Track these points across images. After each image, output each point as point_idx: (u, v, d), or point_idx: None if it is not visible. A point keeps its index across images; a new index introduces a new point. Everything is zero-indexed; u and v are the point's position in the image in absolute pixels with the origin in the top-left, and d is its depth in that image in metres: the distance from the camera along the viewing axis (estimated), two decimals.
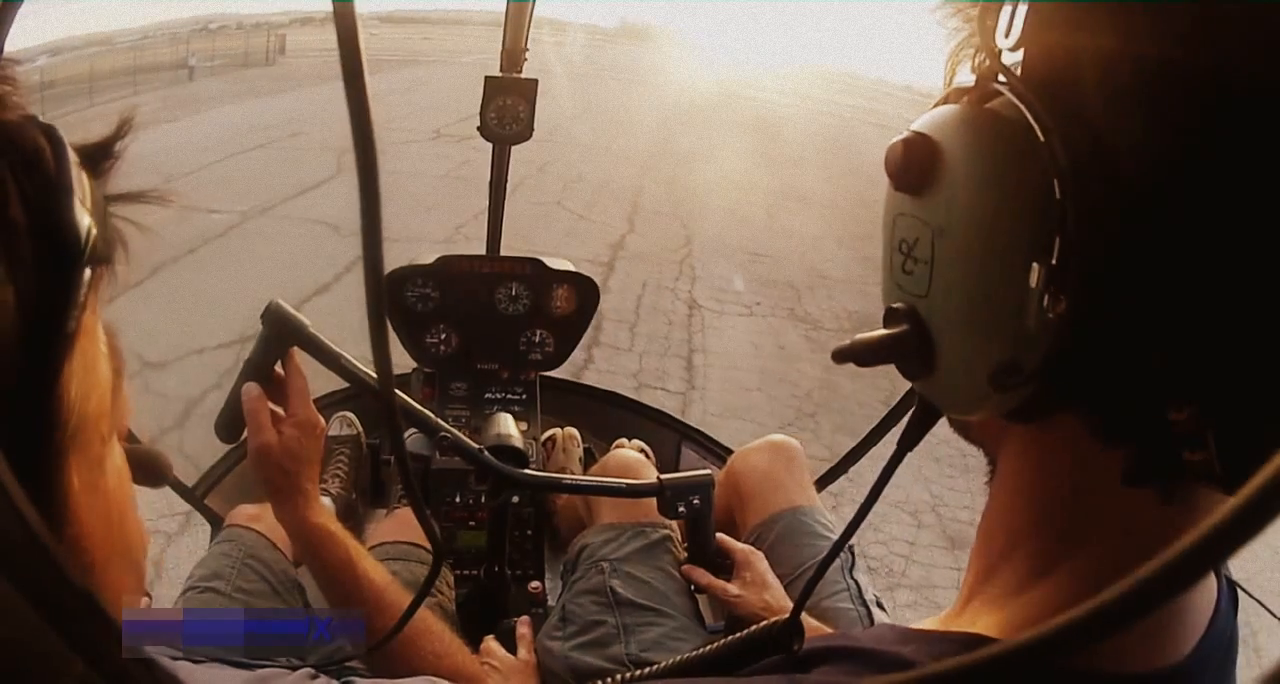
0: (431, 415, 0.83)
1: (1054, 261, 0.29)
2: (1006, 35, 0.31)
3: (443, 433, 0.82)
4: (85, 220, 0.24)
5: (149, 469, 0.34)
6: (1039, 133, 0.29)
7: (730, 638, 0.52)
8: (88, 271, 0.24)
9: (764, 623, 0.50)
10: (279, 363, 0.76)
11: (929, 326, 0.35)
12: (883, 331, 0.36)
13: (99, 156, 0.27)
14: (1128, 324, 0.29)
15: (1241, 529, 0.13)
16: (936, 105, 0.35)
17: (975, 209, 0.32)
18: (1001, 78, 0.32)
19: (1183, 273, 0.28)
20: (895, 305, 0.36)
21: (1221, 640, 0.37)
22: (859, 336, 0.37)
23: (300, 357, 0.77)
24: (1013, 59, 0.32)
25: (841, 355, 0.37)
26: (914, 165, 0.34)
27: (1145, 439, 0.31)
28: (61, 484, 0.26)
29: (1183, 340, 0.29)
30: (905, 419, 0.41)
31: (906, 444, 0.41)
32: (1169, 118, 0.28)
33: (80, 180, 0.25)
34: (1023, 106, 0.30)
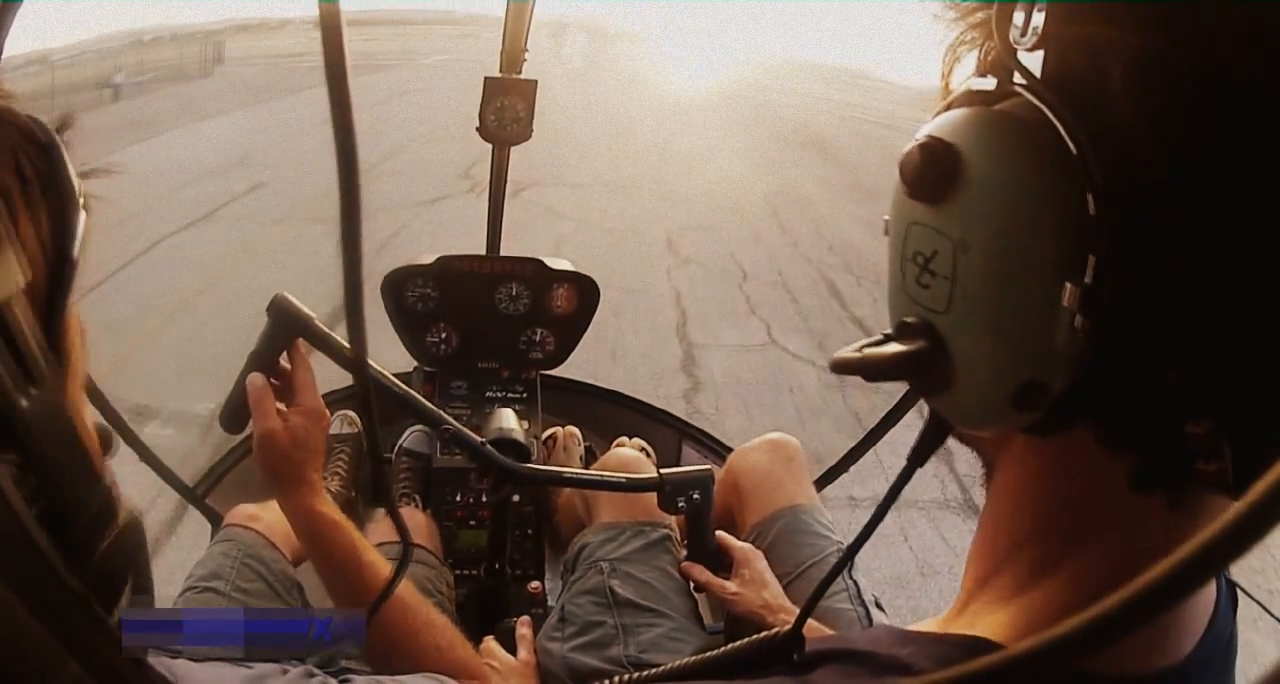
0: (434, 408, 0.84)
1: (1088, 281, 0.28)
2: (1023, 35, 0.30)
3: (445, 425, 0.82)
4: (75, 174, 0.30)
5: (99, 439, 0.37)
6: (1071, 145, 0.28)
7: (732, 646, 0.52)
8: (84, 214, 0.30)
9: (766, 633, 0.49)
10: (283, 356, 0.76)
11: (948, 343, 0.33)
12: (897, 347, 0.35)
13: None
14: (1154, 340, 0.29)
15: (1248, 534, 0.13)
16: (948, 108, 0.34)
17: (1005, 224, 0.30)
18: (1017, 77, 0.31)
19: (1213, 287, 0.27)
20: (909, 320, 0.35)
21: (1220, 641, 0.37)
22: (868, 351, 0.36)
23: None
24: (1027, 60, 0.31)
25: (847, 368, 0.36)
26: (933, 173, 0.32)
27: (1157, 448, 0.30)
28: (80, 410, 0.30)
29: (1208, 356, 0.28)
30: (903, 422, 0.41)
31: (917, 460, 0.40)
32: (1202, 124, 0.27)
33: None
34: (1054, 118, 0.29)
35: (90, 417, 0.34)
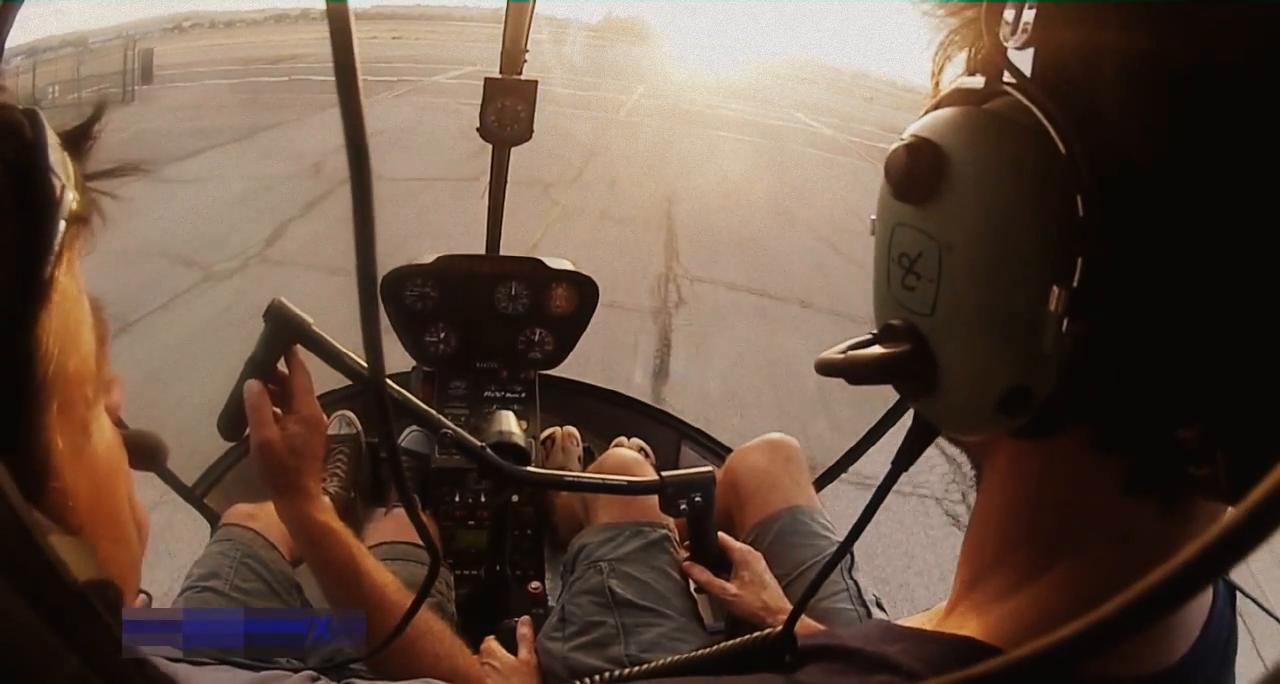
0: (434, 412, 0.84)
1: (1075, 284, 0.27)
2: (1013, 33, 0.29)
3: (445, 429, 0.82)
4: (59, 182, 0.27)
5: (143, 451, 0.35)
6: (1061, 146, 0.28)
7: (722, 645, 0.52)
8: (62, 224, 0.26)
9: (757, 634, 0.49)
10: (281, 361, 0.76)
11: (932, 346, 0.33)
12: (880, 349, 0.35)
13: (79, 138, 0.30)
14: (1143, 344, 0.28)
15: (1248, 538, 0.13)
16: (935, 108, 0.33)
17: (990, 226, 0.30)
18: (1007, 77, 0.31)
19: (1203, 290, 0.27)
20: (893, 323, 0.34)
21: (1218, 643, 0.37)
22: (853, 352, 0.35)
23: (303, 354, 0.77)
24: (1016, 59, 0.30)
25: (831, 369, 0.35)
26: (919, 174, 0.31)
27: (1148, 452, 0.30)
28: (42, 437, 0.27)
29: (1198, 360, 0.28)
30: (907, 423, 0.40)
31: (902, 463, 0.40)
32: (1194, 125, 0.27)
33: (59, 153, 0.28)
34: (1043, 117, 0.28)
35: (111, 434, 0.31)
